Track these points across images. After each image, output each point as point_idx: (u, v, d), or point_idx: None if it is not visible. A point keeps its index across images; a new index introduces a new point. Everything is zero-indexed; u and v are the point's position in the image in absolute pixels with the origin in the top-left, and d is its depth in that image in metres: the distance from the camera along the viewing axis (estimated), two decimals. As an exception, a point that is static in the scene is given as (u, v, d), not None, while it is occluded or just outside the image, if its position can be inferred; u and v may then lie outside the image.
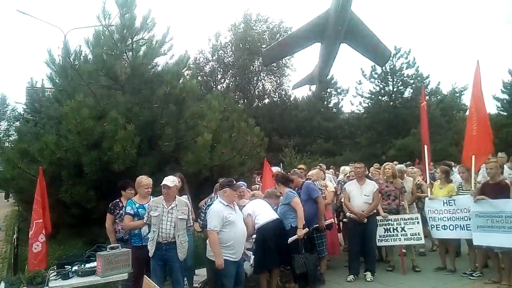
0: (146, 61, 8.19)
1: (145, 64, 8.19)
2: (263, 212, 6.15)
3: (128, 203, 5.55)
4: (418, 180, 8.63)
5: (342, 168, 10.74)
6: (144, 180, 5.57)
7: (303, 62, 74.41)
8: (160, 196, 5.21)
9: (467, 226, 6.72)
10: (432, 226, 7.26)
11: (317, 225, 6.59)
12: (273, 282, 6.18)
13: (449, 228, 7.01)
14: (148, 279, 3.89)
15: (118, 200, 5.87)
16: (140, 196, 5.60)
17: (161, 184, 5.12)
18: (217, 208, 5.10)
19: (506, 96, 24.82)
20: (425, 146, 8.66)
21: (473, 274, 6.71)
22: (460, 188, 7.29)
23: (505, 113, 23.62)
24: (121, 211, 5.69)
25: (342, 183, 8.36)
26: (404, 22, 69.84)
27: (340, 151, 26.43)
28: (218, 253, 4.95)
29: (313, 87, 28.47)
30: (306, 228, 5.84)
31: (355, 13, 19.91)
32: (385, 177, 7.62)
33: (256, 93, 33.78)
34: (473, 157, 7.19)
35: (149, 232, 5.29)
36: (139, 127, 7.25)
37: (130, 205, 5.49)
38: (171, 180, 5.12)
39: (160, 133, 7.50)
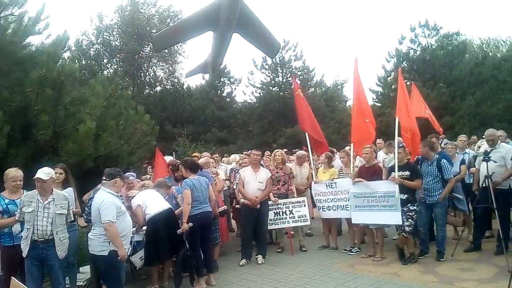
0: (16, 40, 7.22)
1: (16, 42, 7.21)
2: (153, 202, 5.93)
3: (-5, 199, 4.89)
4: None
5: (232, 156, 11.26)
6: (12, 172, 4.95)
7: (197, 50, 73.43)
8: (34, 190, 4.68)
9: (347, 206, 7.30)
10: (319, 208, 7.80)
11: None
12: (165, 274, 6.03)
13: (332, 209, 7.56)
14: (16, 280, 3.46)
15: None
16: (9, 191, 4.97)
17: (34, 177, 4.60)
18: (111, 199, 4.75)
19: (380, 89, 27.54)
20: (306, 134, 8.66)
21: (352, 250, 7.35)
22: (341, 172, 7.90)
23: (379, 104, 26.18)
24: None
25: (236, 170, 8.48)
26: (292, 16, 73.17)
27: (234, 140, 26.90)
28: (121, 245, 4.70)
29: (207, 76, 28.30)
30: (190, 223, 5.76)
31: (247, 5, 20.20)
32: (275, 164, 7.91)
33: (147, 80, 32.40)
34: (352, 144, 7.92)
35: (21, 230, 4.75)
36: (9, 113, 6.39)
37: (-2, 201, 4.85)
38: (45, 173, 4.62)
39: (35, 121, 6.69)
